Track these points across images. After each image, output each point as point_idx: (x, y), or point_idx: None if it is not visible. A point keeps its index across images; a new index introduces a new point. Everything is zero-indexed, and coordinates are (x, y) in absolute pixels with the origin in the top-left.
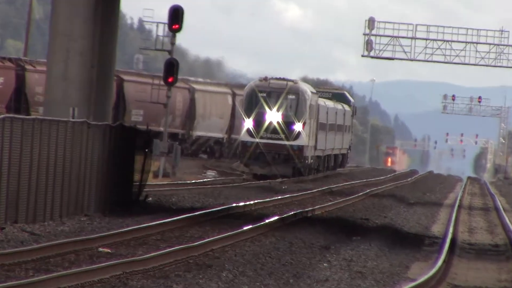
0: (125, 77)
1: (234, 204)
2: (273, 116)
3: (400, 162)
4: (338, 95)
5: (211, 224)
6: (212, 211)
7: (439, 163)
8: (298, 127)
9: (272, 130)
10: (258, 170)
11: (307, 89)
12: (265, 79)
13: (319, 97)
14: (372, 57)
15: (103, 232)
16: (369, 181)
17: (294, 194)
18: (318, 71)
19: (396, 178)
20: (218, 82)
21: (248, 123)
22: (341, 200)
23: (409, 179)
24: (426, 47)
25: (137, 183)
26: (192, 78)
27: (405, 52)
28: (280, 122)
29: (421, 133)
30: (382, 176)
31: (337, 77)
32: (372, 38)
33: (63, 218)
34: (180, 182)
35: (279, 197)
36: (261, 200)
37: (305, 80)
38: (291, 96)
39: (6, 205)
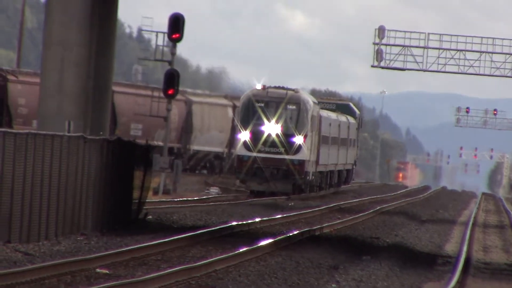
0: (116, 89)
1: (238, 222)
2: (272, 128)
3: (411, 178)
4: (343, 107)
5: (214, 243)
6: (215, 229)
7: (453, 179)
8: (298, 140)
9: (270, 143)
10: (255, 187)
11: (309, 98)
12: (263, 87)
13: (322, 108)
14: (382, 67)
15: (100, 252)
16: (380, 197)
17: (301, 212)
18: (325, 82)
19: (407, 195)
20: (218, 94)
21: (245, 135)
22: (350, 217)
23: (421, 196)
24: (438, 57)
25: (137, 201)
26: (189, 90)
27: (417, 62)
28: (279, 135)
29: (434, 147)
30: (393, 192)
31: (345, 88)
32: (382, 47)
33: (59, 238)
34: (182, 199)
35: (285, 214)
36: (267, 218)
37: (313, 91)
38: (291, 106)
39: None
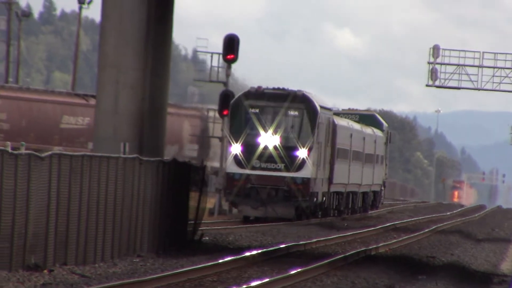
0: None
1: (293, 243)
2: (269, 139)
3: (467, 197)
4: (367, 118)
5: (270, 264)
6: (270, 250)
7: (508, 198)
8: (302, 153)
9: (267, 157)
10: (249, 212)
11: (315, 102)
12: (259, 88)
13: (341, 117)
14: (437, 86)
15: (156, 273)
16: (435, 216)
17: (357, 231)
18: (379, 102)
19: (463, 214)
20: None
21: (235, 148)
22: (405, 237)
23: (476, 215)
24: (493, 76)
25: (192, 222)
26: (210, 106)
27: (472, 81)
28: (278, 147)
29: (489, 166)
30: (448, 211)
31: (400, 108)
32: (437, 66)
33: (115, 259)
34: (237, 220)
35: (341, 234)
36: (322, 238)
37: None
38: (293, 112)
39: (54, 246)
